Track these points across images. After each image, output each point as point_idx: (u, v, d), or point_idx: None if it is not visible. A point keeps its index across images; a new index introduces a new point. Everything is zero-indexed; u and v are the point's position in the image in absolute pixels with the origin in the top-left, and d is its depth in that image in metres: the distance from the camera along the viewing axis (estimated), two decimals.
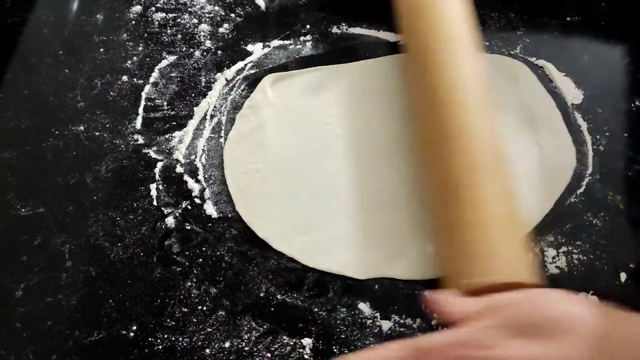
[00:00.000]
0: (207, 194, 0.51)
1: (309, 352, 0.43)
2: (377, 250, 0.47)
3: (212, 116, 0.55)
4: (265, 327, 0.44)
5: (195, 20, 0.61)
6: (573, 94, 0.55)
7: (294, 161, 0.52)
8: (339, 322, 0.44)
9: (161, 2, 0.63)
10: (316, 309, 0.45)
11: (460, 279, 0.39)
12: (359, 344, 0.43)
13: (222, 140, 0.53)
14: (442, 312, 0.36)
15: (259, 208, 0.49)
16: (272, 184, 0.50)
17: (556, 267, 0.46)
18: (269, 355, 0.43)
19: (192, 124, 0.55)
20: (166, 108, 0.55)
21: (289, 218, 0.49)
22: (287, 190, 0.50)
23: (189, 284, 0.46)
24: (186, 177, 0.51)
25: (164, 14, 0.62)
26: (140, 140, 0.53)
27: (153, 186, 0.51)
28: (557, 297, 0.35)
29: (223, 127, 0.54)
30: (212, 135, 0.54)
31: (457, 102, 0.45)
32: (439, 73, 0.46)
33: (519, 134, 0.52)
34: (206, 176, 0.52)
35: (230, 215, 0.49)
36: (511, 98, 0.54)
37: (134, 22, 0.61)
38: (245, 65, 0.58)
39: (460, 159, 0.42)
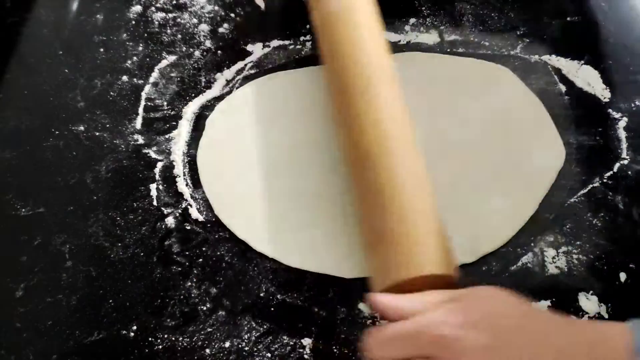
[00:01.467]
0: None
1: (309, 352, 0.43)
2: (359, 250, 0.47)
3: None
4: (265, 327, 0.44)
5: (195, 20, 0.61)
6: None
7: (272, 163, 0.51)
8: (339, 322, 0.44)
9: (161, 2, 0.63)
10: (316, 309, 0.45)
11: (387, 276, 0.40)
12: (359, 344, 0.43)
13: None
14: (388, 309, 0.37)
15: (237, 210, 0.49)
16: (251, 186, 0.50)
17: (556, 267, 0.46)
18: (269, 355, 0.43)
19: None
20: (166, 108, 0.55)
21: (269, 219, 0.48)
22: (266, 192, 0.50)
23: (189, 284, 0.46)
24: (186, 177, 0.51)
25: (164, 14, 0.62)
26: (140, 140, 0.53)
27: (153, 186, 0.51)
28: (501, 296, 0.36)
29: None
30: None
31: (380, 120, 0.45)
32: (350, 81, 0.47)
33: (499, 136, 0.52)
34: None
35: None
36: (493, 100, 0.54)
37: (134, 22, 0.61)
38: (245, 65, 0.58)
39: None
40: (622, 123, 0.53)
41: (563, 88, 0.55)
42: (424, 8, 0.62)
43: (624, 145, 0.52)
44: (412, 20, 0.60)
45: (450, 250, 0.41)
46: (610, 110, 0.54)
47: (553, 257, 0.47)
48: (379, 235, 0.41)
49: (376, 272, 0.41)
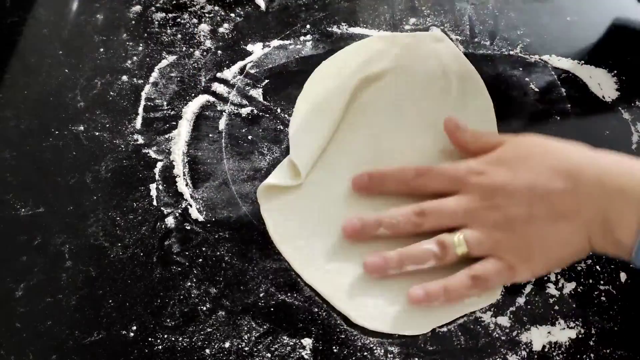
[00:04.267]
0: None
1: (309, 352, 0.43)
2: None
3: None
4: (265, 327, 0.44)
5: (195, 20, 0.61)
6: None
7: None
8: (339, 322, 0.44)
9: (161, 2, 0.63)
10: (316, 309, 0.45)
11: None
12: (359, 344, 0.43)
13: (222, 140, 0.53)
14: (460, 139, 0.49)
15: (278, 204, 0.49)
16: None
17: None
18: (269, 355, 0.43)
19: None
20: (166, 108, 0.55)
21: (303, 222, 0.48)
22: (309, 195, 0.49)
23: (189, 284, 0.46)
24: (186, 177, 0.51)
25: (164, 14, 0.62)
26: (140, 140, 0.53)
27: (153, 186, 0.51)
28: (530, 139, 0.46)
29: None
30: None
31: None
32: None
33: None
34: None
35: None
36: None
37: (134, 22, 0.61)
38: (245, 65, 0.58)
39: None
40: (623, 123, 0.53)
41: (563, 88, 0.55)
42: (424, 8, 0.62)
43: (626, 145, 0.52)
44: (412, 20, 0.60)
45: None
46: (611, 111, 0.54)
47: None
48: None
49: None
